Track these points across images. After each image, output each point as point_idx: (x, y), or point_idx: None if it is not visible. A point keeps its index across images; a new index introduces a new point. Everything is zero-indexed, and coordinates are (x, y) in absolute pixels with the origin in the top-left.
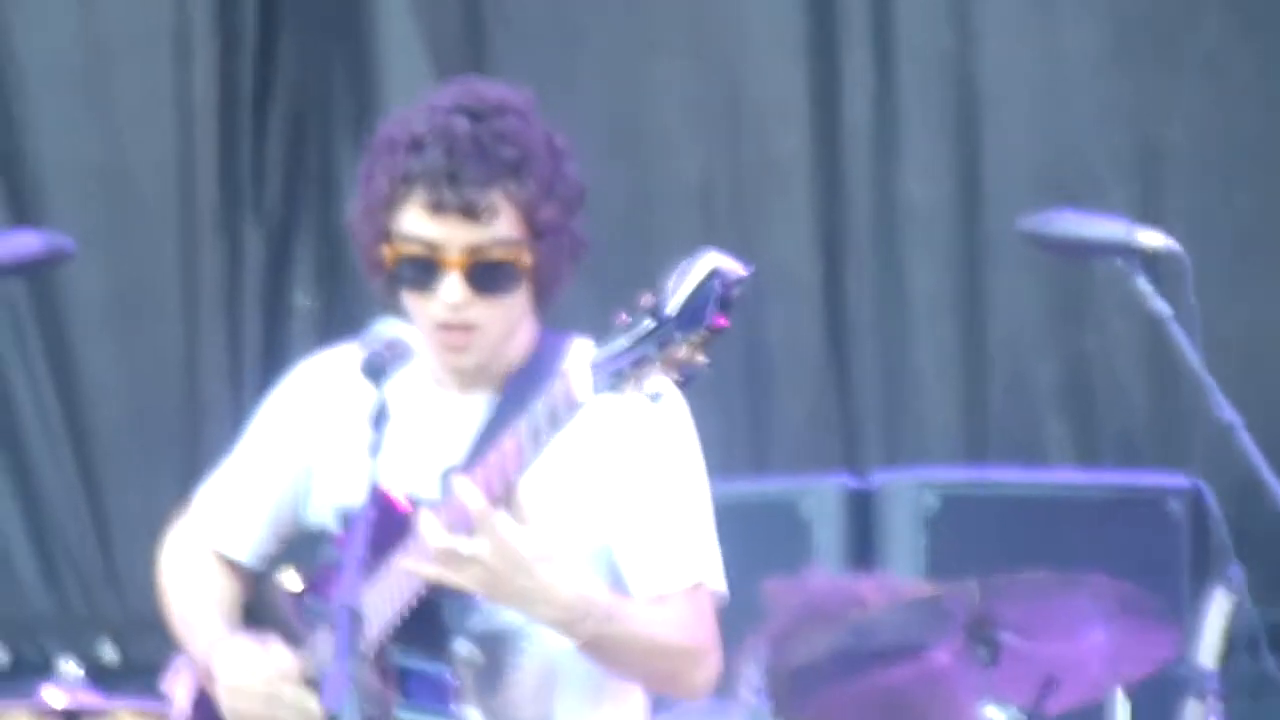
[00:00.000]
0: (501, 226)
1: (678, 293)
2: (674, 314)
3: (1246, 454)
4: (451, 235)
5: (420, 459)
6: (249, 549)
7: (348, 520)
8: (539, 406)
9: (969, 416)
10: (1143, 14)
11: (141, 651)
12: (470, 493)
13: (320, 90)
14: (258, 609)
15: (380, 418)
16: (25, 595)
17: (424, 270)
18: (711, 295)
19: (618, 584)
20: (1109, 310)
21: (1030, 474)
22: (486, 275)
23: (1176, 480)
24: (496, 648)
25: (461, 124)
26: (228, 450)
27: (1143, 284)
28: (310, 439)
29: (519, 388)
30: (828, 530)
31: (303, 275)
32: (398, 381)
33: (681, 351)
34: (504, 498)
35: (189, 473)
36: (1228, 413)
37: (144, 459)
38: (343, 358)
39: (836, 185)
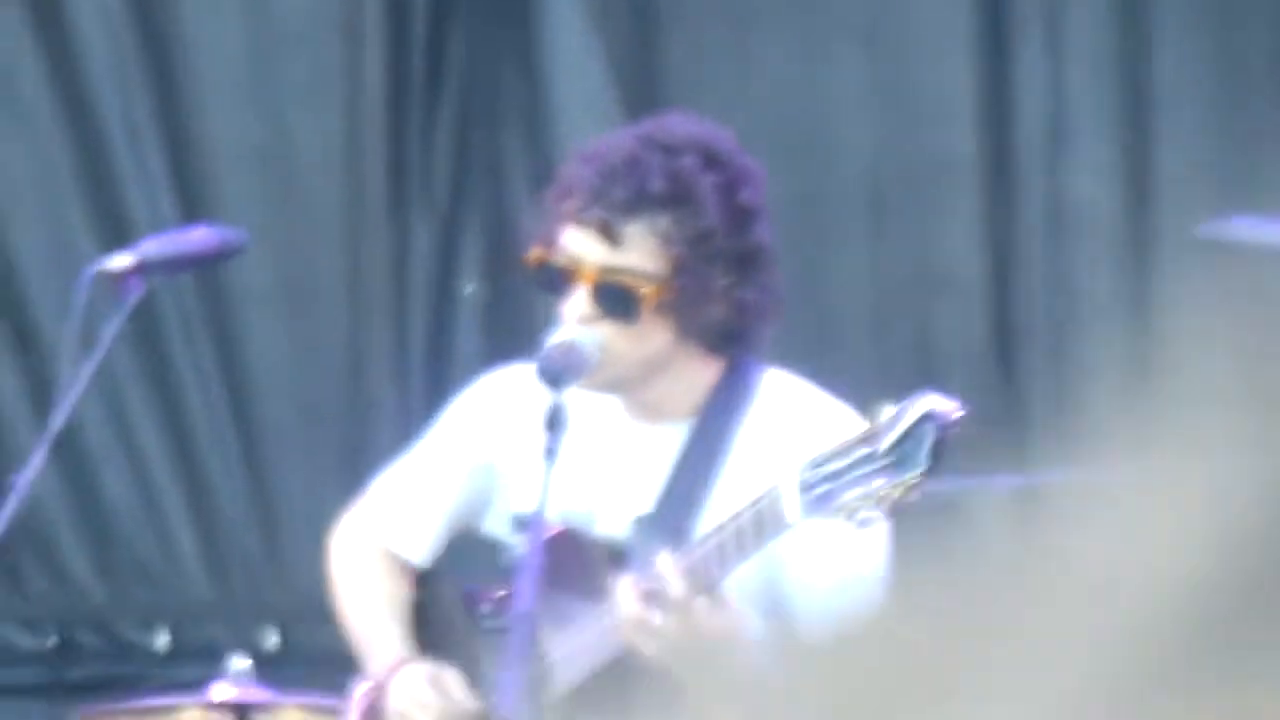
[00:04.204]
0: (635, 255)
1: (893, 430)
2: (887, 452)
3: None
4: (587, 251)
5: (610, 492)
6: (424, 550)
7: (523, 525)
8: (747, 515)
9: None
10: None
11: (305, 639)
12: (671, 575)
13: (489, 80)
14: (427, 608)
15: (556, 421)
16: (189, 581)
17: (558, 279)
18: (926, 439)
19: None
20: None
21: None
22: (609, 298)
23: None
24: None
25: (629, 148)
26: (393, 439)
27: None
28: (494, 445)
29: (710, 421)
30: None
31: (470, 267)
32: (588, 411)
33: (895, 492)
34: (703, 593)
35: (354, 461)
36: None
37: (309, 447)
38: (527, 372)
39: (1007, 184)
